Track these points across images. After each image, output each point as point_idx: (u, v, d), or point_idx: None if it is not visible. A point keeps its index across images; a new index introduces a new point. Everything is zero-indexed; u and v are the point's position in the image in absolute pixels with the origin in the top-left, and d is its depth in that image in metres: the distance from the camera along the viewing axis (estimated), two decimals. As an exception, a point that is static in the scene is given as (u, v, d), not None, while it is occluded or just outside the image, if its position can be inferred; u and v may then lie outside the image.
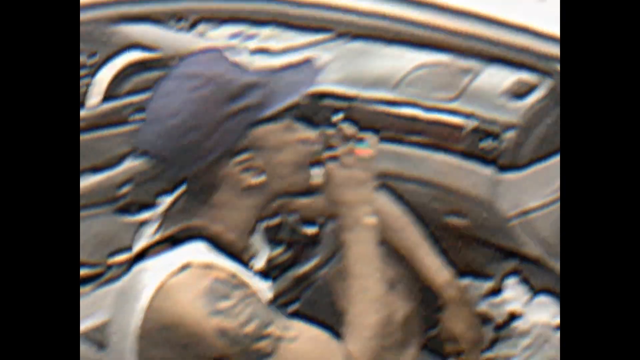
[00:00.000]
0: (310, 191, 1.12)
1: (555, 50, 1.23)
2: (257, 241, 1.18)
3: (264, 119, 1.01)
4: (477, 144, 1.41)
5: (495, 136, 1.39)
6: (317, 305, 1.56)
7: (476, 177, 1.41)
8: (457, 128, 1.44)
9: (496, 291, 1.61)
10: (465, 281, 1.53)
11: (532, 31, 1.26)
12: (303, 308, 1.65)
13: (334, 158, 1.10)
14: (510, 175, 1.38)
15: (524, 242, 1.39)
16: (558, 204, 1.37)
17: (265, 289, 1.12)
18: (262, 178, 1.03)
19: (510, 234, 1.41)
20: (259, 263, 1.16)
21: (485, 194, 1.40)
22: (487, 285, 1.60)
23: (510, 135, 1.37)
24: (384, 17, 1.31)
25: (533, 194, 1.36)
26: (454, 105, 1.47)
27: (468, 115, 1.44)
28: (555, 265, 1.40)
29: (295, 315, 1.12)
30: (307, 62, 1.07)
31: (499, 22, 1.28)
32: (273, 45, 2.10)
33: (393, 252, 1.34)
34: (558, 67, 1.25)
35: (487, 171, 1.39)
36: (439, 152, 1.46)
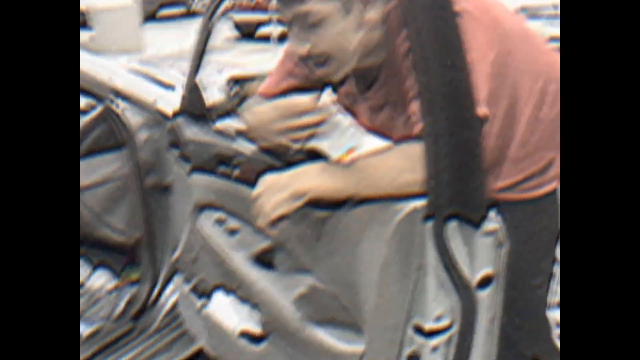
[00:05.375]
0: None
1: (104, 82, 1.92)
2: None
3: None
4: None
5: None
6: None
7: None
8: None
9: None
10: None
11: (91, 68, 1.93)
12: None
13: None
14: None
15: (81, 210, 2.02)
16: (106, 185, 2.05)
17: None
18: None
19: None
20: None
21: (54, 176, 2.00)
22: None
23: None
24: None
25: (86, 176, 2.01)
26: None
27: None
28: (103, 230, 2.06)
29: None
30: None
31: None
32: None
33: None
34: (110, 95, 1.94)
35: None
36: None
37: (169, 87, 2.08)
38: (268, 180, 1.26)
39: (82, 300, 2.31)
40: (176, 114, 1.90)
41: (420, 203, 1.13)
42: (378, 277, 1.21)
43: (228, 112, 1.87)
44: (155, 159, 2.04)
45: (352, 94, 1.42)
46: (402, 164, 1.13)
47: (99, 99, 1.98)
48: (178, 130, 1.85)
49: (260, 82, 1.88)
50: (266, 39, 9.34)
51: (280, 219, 1.24)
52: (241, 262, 1.60)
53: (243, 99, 1.91)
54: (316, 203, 1.27)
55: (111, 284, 2.40)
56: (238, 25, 11.23)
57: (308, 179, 1.21)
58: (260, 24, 10.59)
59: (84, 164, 2.01)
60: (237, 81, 1.90)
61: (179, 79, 2.13)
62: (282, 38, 8.15)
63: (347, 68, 1.29)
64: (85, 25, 7.86)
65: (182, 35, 11.32)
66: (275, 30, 8.30)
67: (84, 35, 7.86)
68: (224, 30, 11.95)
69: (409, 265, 1.18)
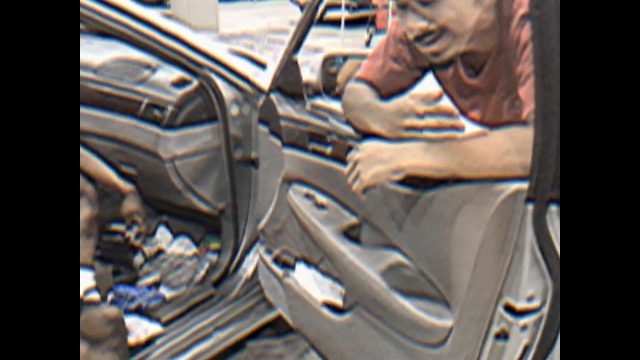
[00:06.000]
0: None
1: (201, 57, 2.01)
2: None
3: None
4: (152, 112, 2.12)
5: (162, 108, 2.11)
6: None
7: (148, 133, 2.12)
8: (137, 102, 2.15)
9: (150, 234, 2.38)
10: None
11: (189, 44, 2.01)
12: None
13: None
14: (169, 133, 2.11)
15: (173, 179, 2.13)
16: (198, 156, 2.15)
17: None
18: None
19: (166, 175, 2.13)
20: None
21: (152, 145, 2.11)
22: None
23: (171, 108, 2.11)
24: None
25: (181, 146, 2.11)
26: (138, 88, 2.18)
27: (146, 95, 2.16)
28: (191, 198, 2.16)
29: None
30: None
31: (174, 36, 2.00)
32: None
33: None
34: (204, 70, 2.02)
35: (155, 130, 2.11)
36: (123, 116, 2.15)
37: (261, 65, 2.15)
38: (370, 148, 1.29)
39: (163, 266, 2.43)
40: (270, 91, 1.98)
41: (523, 185, 1.16)
42: (474, 255, 1.25)
43: (320, 91, 1.93)
44: (243, 134, 2.12)
45: (457, 78, 1.45)
46: (508, 146, 1.16)
47: (194, 73, 2.07)
48: (271, 106, 1.93)
49: (353, 63, 1.93)
50: (333, 22, 9.37)
51: (373, 186, 1.28)
52: (329, 235, 1.67)
53: (333, 77, 1.97)
54: (414, 180, 1.31)
55: (190, 251, 2.52)
56: (304, 8, 11.32)
57: (410, 156, 1.24)
58: (327, 7, 10.61)
59: (178, 135, 2.12)
60: (332, 61, 1.96)
61: (270, 58, 2.20)
62: (349, 22, 8.17)
63: (458, 46, 1.30)
64: (163, 3, 8.06)
65: (249, 16, 11.53)
66: (344, 14, 8.32)
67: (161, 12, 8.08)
68: (290, 13, 12.06)
69: (506, 245, 1.21)
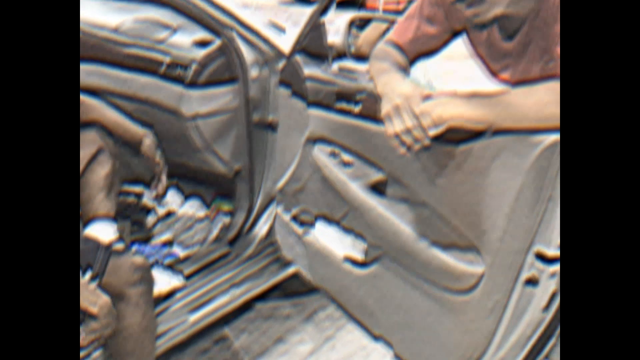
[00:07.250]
0: None
1: (224, 17, 2.03)
2: None
3: None
4: (174, 70, 2.14)
5: (185, 67, 2.14)
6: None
7: (170, 91, 2.14)
8: (159, 61, 2.17)
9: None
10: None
11: (214, 3, 2.03)
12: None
13: None
14: (191, 92, 2.14)
15: (193, 137, 2.16)
16: (218, 116, 2.18)
17: None
18: None
19: (185, 134, 2.16)
20: None
21: (174, 103, 2.14)
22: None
23: (195, 67, 2.13)
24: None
25: (203, 105, 2.14)
26: (161, 47, 2.20)
27: (168, 53, 2.18)
28: (209, 158, 2.20)
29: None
30: None
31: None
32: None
33: None
34: (227, 30, 2.05)
35: (178, 88, 2.14)
36: (144, 74, 2.17)
37: (279, 29, 2.18)
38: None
39: (176, 226, 2.47)
40: (291, 54, 2.01)
41: (559, 136, 1.22)
42: (510, 205, 1.32)
43: (346, 53, 1.98)
44: (261, 96, 2.15)
45: (491, 41, 1.51)
46: (549, 98, 1.22)
47: (217, 33, 2.09)
48: (294, 68, 1.97)
49: (377, 26, 1.98)
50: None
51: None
52: (357, 190, 1.72)
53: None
54: (449, 134, 1.36)
55: (202, 212, 2.55)
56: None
57: (452, 107, 1.30)
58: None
59: (201, 93, 2.14)
60: (356, 23, 2.00)
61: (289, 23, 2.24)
62: (340, 3, 8.16)
63: (497, 10, 1.36)
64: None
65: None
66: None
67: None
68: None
69: (541, 194, 1.28)
